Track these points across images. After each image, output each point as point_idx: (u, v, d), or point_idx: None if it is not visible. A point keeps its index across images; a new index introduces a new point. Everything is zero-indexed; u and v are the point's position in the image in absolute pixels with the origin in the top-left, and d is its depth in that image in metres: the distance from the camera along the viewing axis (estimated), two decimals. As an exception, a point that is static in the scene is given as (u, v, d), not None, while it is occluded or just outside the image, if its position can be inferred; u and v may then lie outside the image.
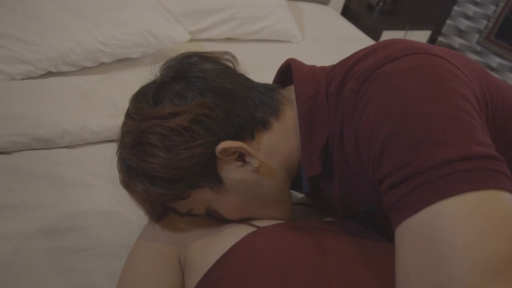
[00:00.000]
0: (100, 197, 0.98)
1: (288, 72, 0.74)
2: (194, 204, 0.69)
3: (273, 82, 0.80)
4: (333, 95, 0.63)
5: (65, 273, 0.81)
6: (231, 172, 0.66)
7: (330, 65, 0.72)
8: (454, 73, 0.56)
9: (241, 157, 0.66)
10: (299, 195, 1.09)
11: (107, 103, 1.17)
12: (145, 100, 0.64)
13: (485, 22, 2.70)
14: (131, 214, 0.94)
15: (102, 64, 1.41)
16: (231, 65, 0.71)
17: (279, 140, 0.68)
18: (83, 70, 1.37)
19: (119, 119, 1.12)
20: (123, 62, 1.45)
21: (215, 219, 0.77)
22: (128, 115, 0.66)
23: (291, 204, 0.77)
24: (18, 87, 1.17)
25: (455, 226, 0.45)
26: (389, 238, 0.74)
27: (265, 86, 0.70)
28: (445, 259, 0.44)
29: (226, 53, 0.71)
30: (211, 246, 0.70)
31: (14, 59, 1.22)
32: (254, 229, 0.69)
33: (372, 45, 0.64)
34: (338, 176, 0.66)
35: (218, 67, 0.67)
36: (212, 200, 0.69)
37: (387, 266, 0.62)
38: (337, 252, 0.64)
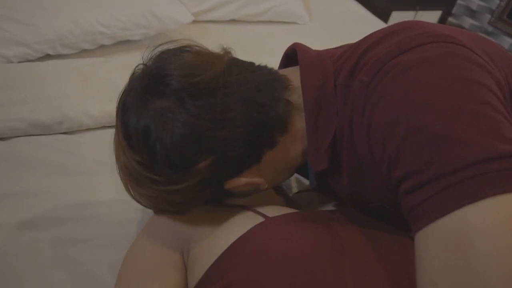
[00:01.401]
0: (100, 186, 0.96)
1: (294, 57, 0.70)
2: None
3: (279, 67, 0.76)
4: (342, 86, 0.60)
5: (64, 264, 0.79)
6: (238, 189, 0.66)
7: (339, 49, 0.67)
8: (475, 62, 0.51)
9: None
10: (307, 181, 1.06)
11: (108, 87, 1.15)
12: (139, 154, 0.59)
13: (497, 1, 2.65)
14: (133, 203, 0.90)
15: (102, 46, 1.38)
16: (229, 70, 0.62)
17: (287, 151, 0.65)
18: (82, 52, 1.34)
19: None
20: (124, 44, 1.42)
21: (218, 207, 0.75)
22: (125, 160, 0.63)
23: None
24: (15, 70, 1.15)
25: (484, 233, 0.42)
26: (401, 230, 0.71)
27: (271, 96, 0.62)
28: (475, 269, 0.41)
29: (224, 54, 0.64)
30: (216, 238, 0.68)
31: (10, 40, 1.19)
32: (262, 219, 0.67)
33: (384, 29, 0.60)
34: (347, 171, 0.63)
35: (214, 100, 0.58)
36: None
37: (401, 258, 0.60)
38: (349, 244, 0.62)
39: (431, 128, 0.46)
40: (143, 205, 0.67)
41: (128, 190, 0.65)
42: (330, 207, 0.78)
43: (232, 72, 0.60)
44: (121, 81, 1.17)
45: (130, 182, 0.62)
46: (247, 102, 0.59)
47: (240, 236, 0.65)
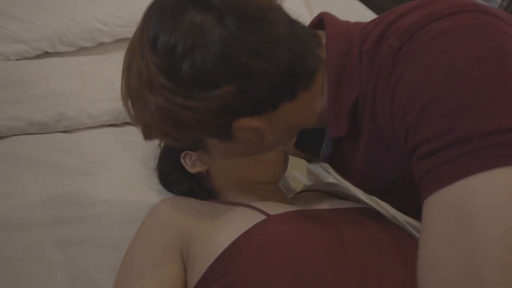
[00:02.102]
0: (99, 185, 0.95)
1: (321, 26, 0.68)
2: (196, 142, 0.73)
3: None
4: (368, 52, 0.58)
5: (61, 266, 0.78)
6: (242, 133, 0.62)
7: (364, 22, 0.66)
8: (510, 34, 0.50)
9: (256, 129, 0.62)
10: (306, 181, 1.05)
11: (106, 86, 1.14)
12: (163, 64, 0.54)
13: (499, 1, 2.62)
14: (131, 203, 0.91)
15: (102, 44, 1.36)
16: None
17: (303, 108, 0.63)
18: (82, 50, 1.33)
19: (119, 103, 1.10)
20: (124, 42, 1.39)
21: (218, 204, 0.75)
22: (140, 66, 0.56)
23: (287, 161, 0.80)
24: (12, 68, 1.14)
25: (494, 202, 0.41)
26: (407, 211, 0.71)
27: (305, 48, 0.61)
28: (475, 237, 0.41)
29: None
30: (217, 236, 0.67)
31: (8, 37, 1.18)
32: (264, 217, 0.67)
33: (416, 0, 0.59)
34: (364, 142, 0.62)
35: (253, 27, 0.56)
36: (217, 145, 0.67)
37: (403, 257, 0.59)
38: (352, 243, 0.62)
39: (456, 97, 0.46)
40: (136, 123, 0.62)
41: (127, 98, 0.60)
42: (333, 206, 0.78)
43: (279, 13, 0.59)
44: (120, 79, 1.16)
45: (140, 86, 0.56)
46: (283, 45, 0.57)
47: (241, 234, 0.64)
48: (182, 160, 0.90)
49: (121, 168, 0.99)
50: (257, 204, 0.71)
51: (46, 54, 1.26)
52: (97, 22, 1.30)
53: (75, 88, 1.11)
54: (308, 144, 0.75)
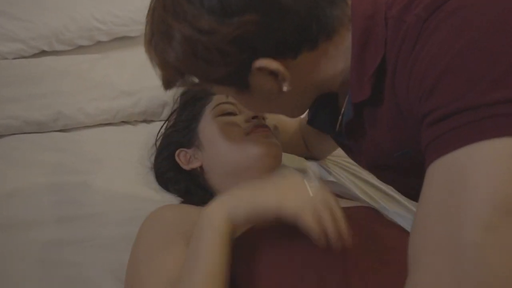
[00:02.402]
0: (96, 184, 0.94)
1: None
2: (218, 91, 0.70)
3: None
4: (394, 19, 0.58)
5: (58, 266, 0.77)
6: (260, 82, 0.62)
7: None
8: None
9: (275, 74, 0.61)
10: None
11: (104, 84, 1.13)
12: None
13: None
14: (130, 203, 0.91)
15: (100, 42, 1.37)
16: None
17: (323, 63, 0.63)
18: (79, 49, 1.33)
19: (116, 102, 1.11)
20: (122, 41, 1.40)
21: None
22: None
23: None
24: (9, 66, 1.14)
25: (487, 169, 0.41)
26: (416, 192, 0.70)
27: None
28: (466, 199, 0.41)
29: None
30: None
31: (4, 36, 1.18)
32: None
33: None
34: (384, 110, 0.61)
35: None
36: (234, 94, 0.67)
37: (405, 258, 0.58)
38: (354, 243, 0.61)
39: (471, 67, 0.46)
40: (157, 68, 0.64)
41: (151, 37, 0.61)
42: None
43: None
44: (118, 78, 1.16)
45: (165, 15, 0.58)
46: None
47: (245, 231, 0.64)
48: (176, 157, 0.90)
49: (119, 167, 0.99)
50: None
51: (44, 53, 1.26)
52: (95, 21, 1.30)
53: (73, 87, 1.10)
54: (321, 122, 0.75)
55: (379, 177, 0.75)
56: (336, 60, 0.62)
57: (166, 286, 0.58)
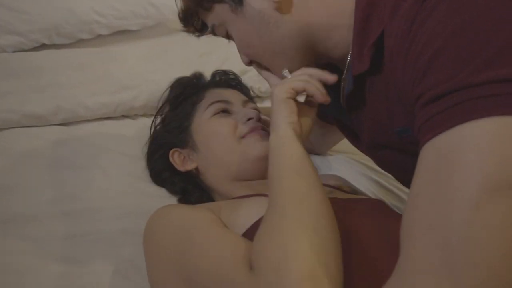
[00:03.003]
0: (96, 179, 0.93)
1: None
2: (215, 21, 0.71)
3: None
4: None
5: (57, 260, 0.77)
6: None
7: None
8: None
9: None
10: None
11: (104, 78, 1.13)
12: None
13: None
14: (130, 197, 0.90)
15: (100, 36, 1.35)
16: None
17: (326, 7, 0.64)
18: (79, 42, 1.32)
19: (117, 96, 1.10)
20: (122, 34, 1.39)
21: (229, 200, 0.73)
22: None
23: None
24: (8, 60, 1.14)
25: (479, 149, 0.42)
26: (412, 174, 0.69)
27: None
28: (456, 178, 0.42)
29: None
30: (235, 219, 0.67)
31: (3, 29, 1.17)
32: None
33: None
34: (382, 85, 0.61)
35: None
36: (229, 21, 0.69)
37: None
38: (361, 235, 0.61)
39: (466, 46, 0.45)
40: None
41: None
42: (341, 196, 0.76)
43: None
44: (118, 72, 1.15)
45: None
46: None
47: (256, 221, 0.63)
48: (171, 158, 0.89)
49: (119, 161, 0.98)
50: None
51: (44, 46, 1.25)
52: (95, 14, 1.29)
53: (72, 81, 1.09)
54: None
55: (378, 159, 0.74)
56: (338, 20, 0.63)
57: (245, 260, 0.55)
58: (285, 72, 0.69)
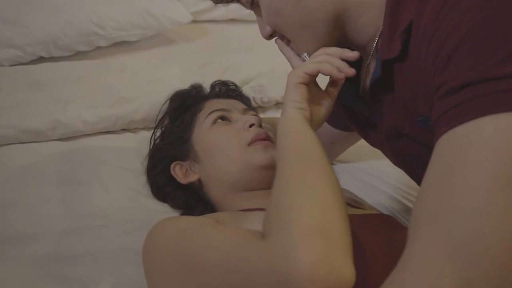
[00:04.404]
0: (96, 195, 0.92)
1: None
2: None
3: None
4: None
5: (56, 282, 0.75)
6: None
7: None
8: None
9: None
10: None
11: (104, 91, 1.12)
12: None
13: None
14: (132, 213, 0.89)
15: (99, 48, 1.36)
16: None
17: None
18: (78, 54, 1.32)
19: (116, 108, 1.09)
20: (121, 46, 1.39)
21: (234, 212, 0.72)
22: None
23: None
24: (5, 74, 1.14)
25: (495, 143, 0.42)
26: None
27: None
28: (468, 172, 0.42)
29: None
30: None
31: (0, 42, 1.17)
32: None
33: None
34: (409, 70, 0.61)
35: None
36: None
37: None
38: (373, 251, 0.61)
39: (490, 38, 0.45)
40: None
41: None
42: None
43: None
44: (117, 84, 1.14)
45: None
46: None
47: None
48: (172, 172, 0.87)
49: (120, 176, 0.96)
50: None
51: (41, 59, 1.25)
52: (94, 25, 1.29)
53: (71, 94, 1.09)
54: (343, 93, 0.73)
55: (395, 151, 0.73)
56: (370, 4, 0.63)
57: (256, 235, 0.55)
58: (305, 56, 0.68)
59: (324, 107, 0.68)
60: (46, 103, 1.04)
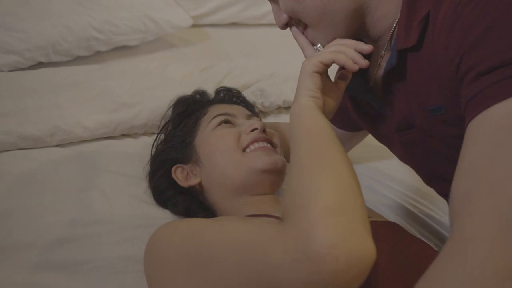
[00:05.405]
0: (96, 202, 0.90)
1: None
2: None
3: None
4: None
5: None
6: None
7: None
8: None
9: None
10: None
11: (103, 96, 1.11)
12: None
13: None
14: (132, 220, 0.87)
15: (98, 53, 1.36)
16: None
17: None
18: (77, 59, 1.31)
19: (116, 114, 1.07)
20: (121, 50, 1.39)
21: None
22: None
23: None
24: (4, 79, 1.13)
25: None
26: (436, 163, 0.70)
27: None
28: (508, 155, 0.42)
29: None
30: None
31: None
32: None
33: None
34: (423, 60, 0.62)
35: None
36: None
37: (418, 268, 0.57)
38: (381, 260, 0.58)
39: None
40: None
41: None
42: None
43: None
44: (117, 89, 1.13)
45: None
46: None
47: None
48: (173, 174, 0.87)
49: (120, 183, 0.95)
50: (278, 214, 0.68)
51: (41, 65, 1.25)
52: (93, 30, 1.28)
53: (70, 100, 1.08)
54: (352, 85, 0.74)
55: (403, 143, 0.73)
56: None
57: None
58: (319, 46, 0.69)
59: (333, 99, 0.68)
60: (45, 109, 1.03)
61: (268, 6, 1.86)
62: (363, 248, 0.44)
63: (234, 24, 1.73)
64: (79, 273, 0.77)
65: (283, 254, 0.46)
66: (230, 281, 0.53)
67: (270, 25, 1.76)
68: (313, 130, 0.58)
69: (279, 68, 1.25)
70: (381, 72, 0.69)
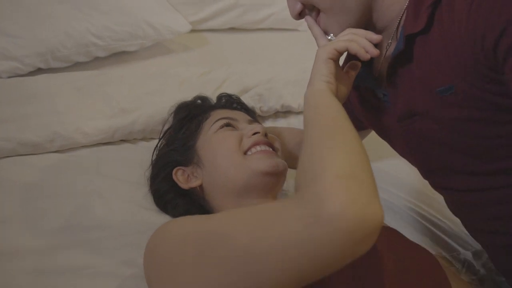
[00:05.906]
0: (95, 207, 0.91)
1: None
2: None
3: None
4: None
5: None
6: None
7: None
8: None
9: None
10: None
11: (101, 102, 1.11)
12: None
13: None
14: (132, 226, 0.88)
15: (97, 59, 1.36)
16: None
17: None
18: (76, 65, 1.31)
19: (115, 120, 1.08)
20: (120, 56, 1.39)
21: None
22: None
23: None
24: (3, 86, 1.12)
25: None
26: (437, 151, 0.71)
27: None
28: None
29: None
30: None
31: None
32: None
33: None
34: (432, 43, 0.64)
35: None
36: None
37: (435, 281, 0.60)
38: (378, 269, 0.60)
39: None
40: None
41: None
42: None
43: None
44: (116, 94, 1.13)
45: None
46: None
47: None
48: (174, 177, 0.87)
49: (119, 188, 0.95)
50: None
51: (40, 71, 1.25)
52: (92, 36, 1.29)
53: (69, 106, 1.08)
54: (359, 75, 0.76)
55: (405, 132, 0.74)
56: None
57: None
58: (331, 37, 0.72)
59: (344, 88, 0.71)
60: (44, 115, 1.03)
61: (267, 11, 1.88)
62: (373, 210, 0.46)
63: (232, 29, 1.73)
64: (78, 278, 0.77)
65: (297, 222, 0.48)
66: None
67: (269, 30, 1.78)
68: (327, 111, 0.60)
69: (277, 73, 1.25)
70: (386, 61, 0.71)
